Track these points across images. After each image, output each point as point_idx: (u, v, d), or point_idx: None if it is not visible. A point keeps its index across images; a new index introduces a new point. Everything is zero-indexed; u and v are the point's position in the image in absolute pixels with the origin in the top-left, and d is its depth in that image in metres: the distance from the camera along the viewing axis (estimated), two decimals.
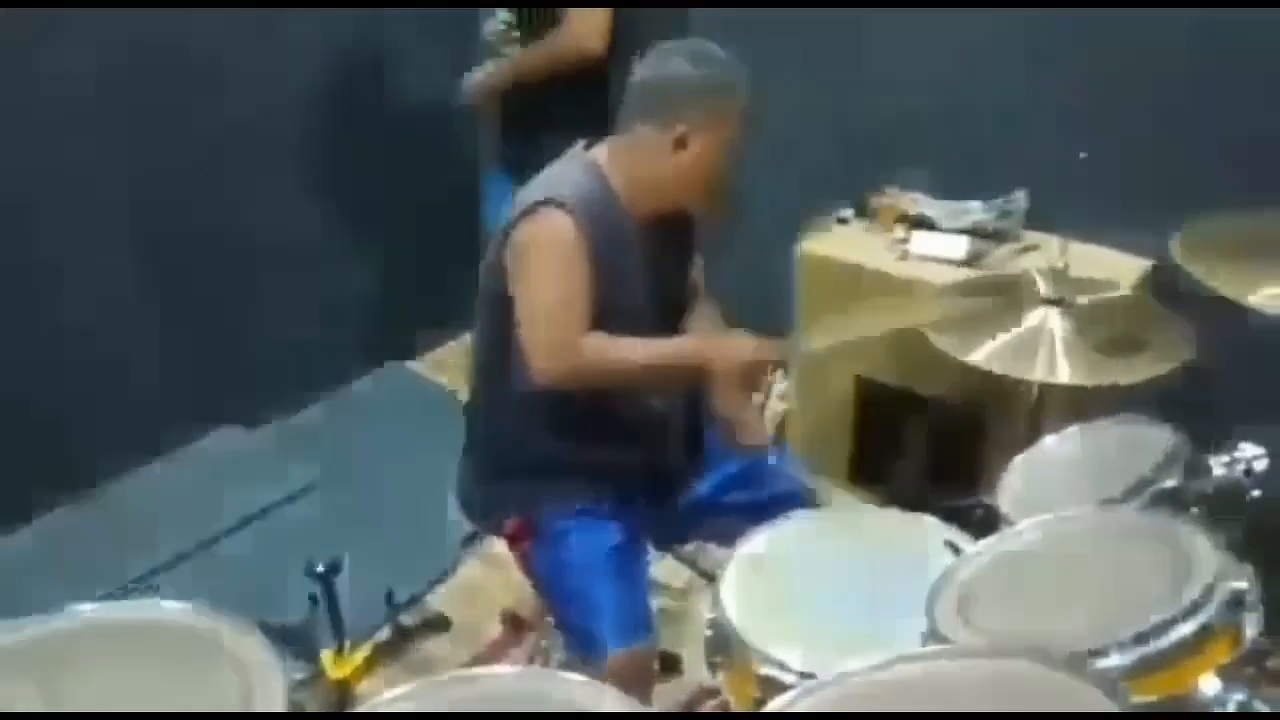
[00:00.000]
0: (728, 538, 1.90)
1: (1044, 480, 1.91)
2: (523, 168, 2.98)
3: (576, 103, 2.95)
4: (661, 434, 2.01)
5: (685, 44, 1.89)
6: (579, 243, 1.79)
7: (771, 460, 2.03)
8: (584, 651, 1.91)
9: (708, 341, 1.92)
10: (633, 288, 1.88)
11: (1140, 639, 1.28)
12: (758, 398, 3.10)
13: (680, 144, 1.83)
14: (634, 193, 1.88)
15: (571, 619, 1.95)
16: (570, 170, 1.90)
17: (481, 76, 2.87)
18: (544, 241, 1.81)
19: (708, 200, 1.96)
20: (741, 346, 1.83)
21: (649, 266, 1.91)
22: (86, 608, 1.43)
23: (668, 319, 1.96)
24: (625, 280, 1.86)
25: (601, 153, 1.92)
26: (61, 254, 2.90)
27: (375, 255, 3.60)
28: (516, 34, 2.86)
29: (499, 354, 1.91)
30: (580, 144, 1.96)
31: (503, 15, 2.89)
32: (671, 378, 1.97)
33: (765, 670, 1.56)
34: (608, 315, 1.82)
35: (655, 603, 2.65)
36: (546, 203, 1.81)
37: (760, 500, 2.00)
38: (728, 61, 1.87)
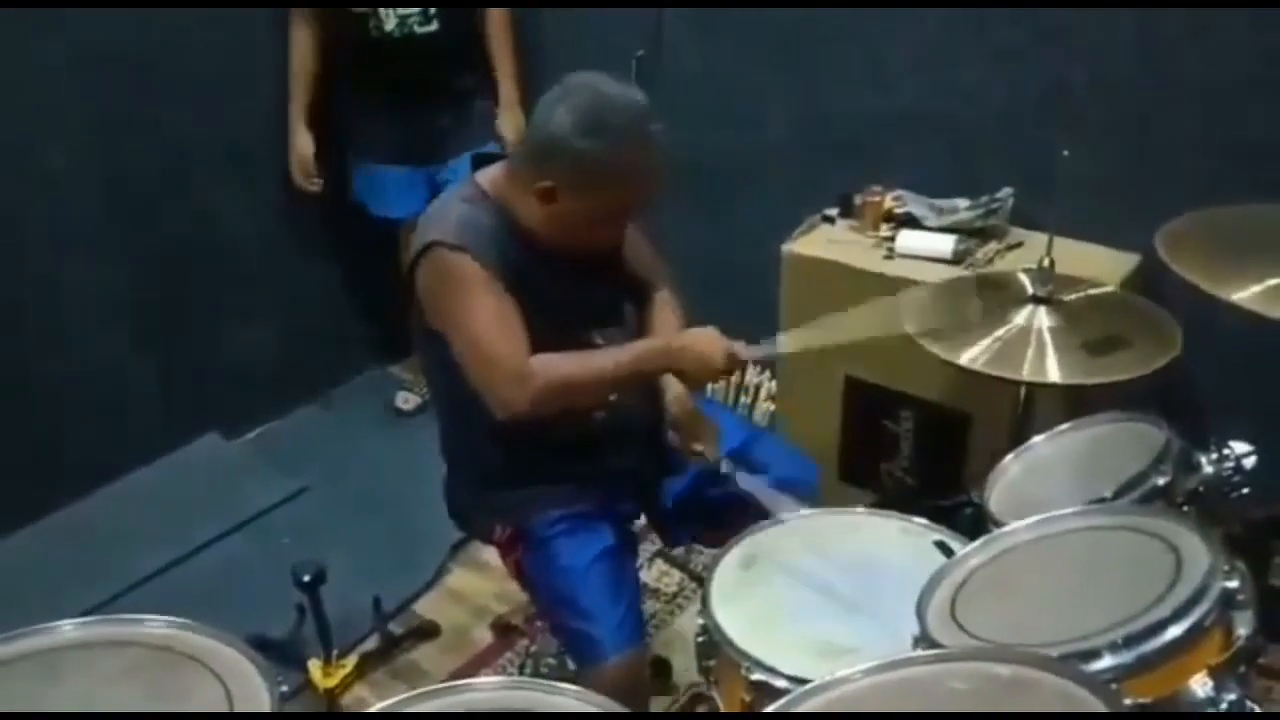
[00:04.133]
0: (715, 535, 1.89)
1: (1034, 479, 1.91)
2: (426, 158, 3.01)
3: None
4: (627, 428, 1.98)
5: (591, 93, 1.74)
6: (483, 275, 1.76)
7: (724, 468, 1.95)
8: (581, 657, 1.90)
9: (673, 341, 1.87)
10: (552, 304, 1.82)
11: (1132, 640, 1.28)
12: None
13: (545, 198, 1.76)
14: (520, 219, 1.83)
15: (566, 625, 1.93)
16: (453, 201, 1.85)
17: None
18: (450, 285, 1.78)
19: (586, 248, 1.87)
20: (710, 346, 1.79)
21: (564, 279, 1.85)
22: (69, 623, 1.42)
23: (599, 327, 1.91)
24: (541, 298, 1.81)
25: (490, 178, 1.87)
26: (43, 263, 2.88)
27: (358, 260, 3.58)
28: None
29: (440, 374, 1.90)
30: (473, 173, 1.92)
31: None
32: (636, 382, 1.93)
33: (756, 676, 1.55)
34: (533, 335, 1.78)
35: (646, 607, 2.65)
36: (436, 245, 1.78)
37: (741, 494, 1.94)
38: (623, 130, 1.72)
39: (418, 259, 1.82)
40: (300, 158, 3.12)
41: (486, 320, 1.77)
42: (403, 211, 3.12)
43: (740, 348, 1.82)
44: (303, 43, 3.04)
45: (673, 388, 2.02)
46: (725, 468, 1.93)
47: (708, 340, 1.81)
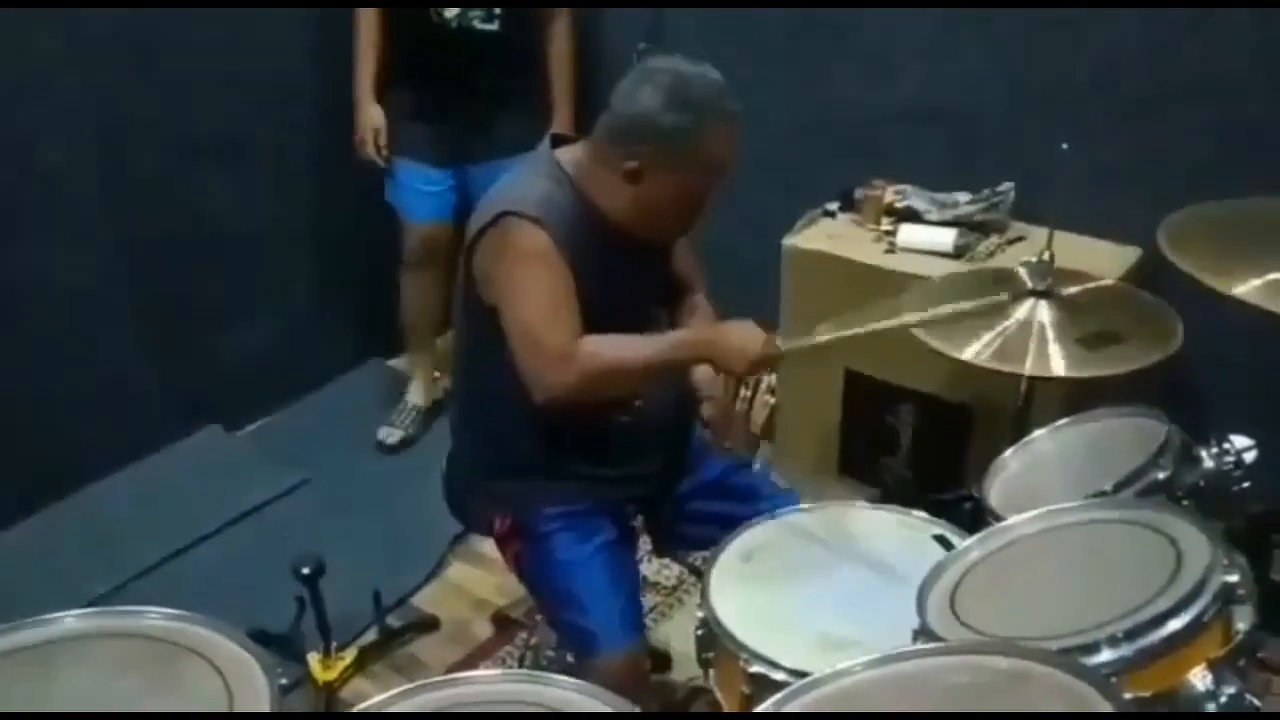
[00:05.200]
0: (707, 545, 1.88)
1: (1034, 474, 1.91)
2: (463, 158, 2.98)
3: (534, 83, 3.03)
4: (650, 431, 1.97)
5: (673, 73, 1.75)
6: (551, 251, 1.74)
7: (755, 465, 1.96)
8: (579, 651, 1.90)
9: (710, 332, 1.86)
10: (608, 292, 1.81)
11: (1131, 634, 1.28)
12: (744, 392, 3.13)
13: (632, 178, 1.75)
14: (597, 203, 1.82)
15: (564, 619, 1.93)
16: (533, 176, 1.83)
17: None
18: (516, 256, 1.76)
19: (666, 234, 1.87)
20: (747, 337, 1.75)
21: (624, 269, 1.84)
22: (69, 615, 1.42)
23: (644, 322, 1.90)
24: (600, 285, 1.79)
25: (570, 155, 1.85)
26: (44, 255, 2.87)
27: (355, 252, 3.57)
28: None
29: (478, 356, 1.88)
30: (547, 141, 1.90)
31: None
32: (674, 372, 1.92)
33: (755, 668, 1.55)
34: (586, 321, 1.77)
35: (646, 600, 2.65)
36: (510, 214, 1.75)
37: (740, 516, 1.91)
38: (709, 105, 1.73)
39: (487, 228, 1.78)
40: (375, 129, 3.04)
41: (543, 297, 1.74)
42: (424, 214, 3.10)
43: (778, 340, 1.79)
44: (369, 18, 3.00)
45: (706, 388, 2.01)
46: (757, 464, 1.92)
47: (745, 332, 1.77)
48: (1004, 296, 1.98)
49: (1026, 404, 2.21)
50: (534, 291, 1.75)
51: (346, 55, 3.05)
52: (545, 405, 1.76)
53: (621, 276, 1.84)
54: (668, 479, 2.05)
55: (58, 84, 2.80)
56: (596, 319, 1.78)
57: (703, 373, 2.00)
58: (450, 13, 2.89)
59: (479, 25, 2.90)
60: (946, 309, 1.97)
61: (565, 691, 1.37)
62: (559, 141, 1.91)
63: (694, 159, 1.74)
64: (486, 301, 1.81)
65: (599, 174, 1.80)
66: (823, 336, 1.79)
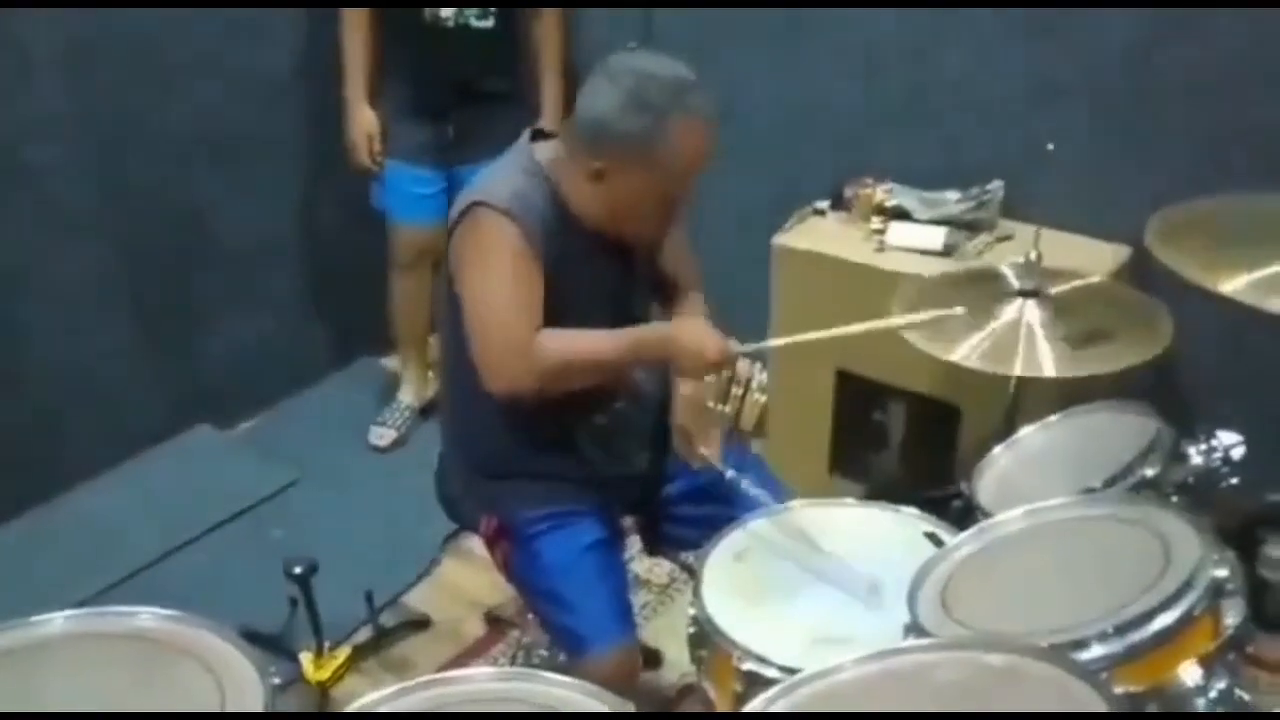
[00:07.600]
0: (698, 546, 1.87)
1: (1024, 470, 1.92)
2: (457, 159, 2.97)
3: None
4: (629, 434, 1.97)
5: (635, 73, 1.73)
6: (519, 244, 1.73)
7: (729, 474, 1.90)
8: (568, 651, 1.90)
9: (668, 331, 1.86)
10: (584, 287, 1.81)
11: (1122, 629, 1.28)
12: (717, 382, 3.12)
13: (597, 179, 1.76)
14: (569, 200, 1.81)
15: (552, 619, 1.93)
16: (509, 169, 1.83)
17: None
18: (482, 247, 1.75)
19: (639, 233, 1.86)
20: (702, 340, 1.77)
21: (601, 263, 1.84)
22: (60, 615, 1.42)
23: (625, 317, 1.88)
24: (575, 280, 1.79)
25: (547, 150, 1.85)
26: (37, 254, 2.87)
27: (347, 250, 3.57)
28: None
29: (461, 355, 1.87)
30: (527, 135, 1.89)
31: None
32: (633, 368, 1.91)
33: (747, 665, 1.55)
34: (559, 319, 1.76)
35: (637, 598, 2.66)
36: (481, 205, 1.75)
37: (731, 518, 1.89)
38: (670, 105, 1.70)
39: (459, 219, 1.78)
40: (368, 135, 3.02)
41: (503, 289, 1.74)
42: (418, 217, 3.08)
43: (733, 343, 1.81)
44: (357, 18, 2.97)
45: (681, 392, 1.98)
46: (730, 474, 1.91)
47: (699, 334, 1.79)
48: (959, 310, 1.96)
49: (1016, 401, 2.22)
50: (495, 283, 1.74)
51: (340, 53, 3.04)
52: (502, 399, 1.76)
53: (598, 271, 1.84)
54: (652, 480, 2.04)
55: (53, 83, 2.79)
56: (572, 313, 1.77)
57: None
58: (446, 12, 2.88)
59: (475, 23, 2.90)
60: (902, 320, 1.95)
61: (557, 689, 1.37)
62: (540, 136, 1.91)
63: (657, 161, 1.73)
64: (457, 291, 1.80)
65: (570, 172, 1.80)
66: (776, 341, 1.87)
